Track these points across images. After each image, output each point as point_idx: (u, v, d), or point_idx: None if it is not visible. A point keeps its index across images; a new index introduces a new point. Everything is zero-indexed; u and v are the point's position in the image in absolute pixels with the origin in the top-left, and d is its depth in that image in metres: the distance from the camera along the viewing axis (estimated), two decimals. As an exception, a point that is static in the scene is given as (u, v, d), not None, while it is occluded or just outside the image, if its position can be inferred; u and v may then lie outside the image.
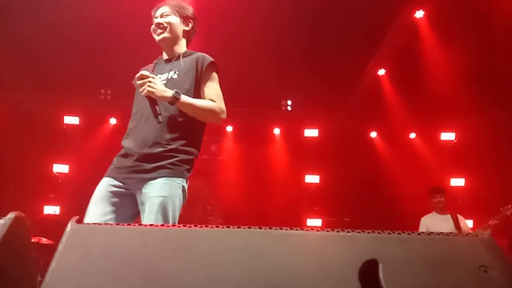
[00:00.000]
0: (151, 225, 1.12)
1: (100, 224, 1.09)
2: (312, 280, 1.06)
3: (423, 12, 5.72)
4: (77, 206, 7.07)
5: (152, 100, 2.05)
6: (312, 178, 8.13)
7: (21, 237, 1.08)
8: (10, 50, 6.41)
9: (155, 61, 2.41)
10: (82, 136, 7.80)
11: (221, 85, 2.31)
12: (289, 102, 8.25)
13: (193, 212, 8.07)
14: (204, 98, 2.19)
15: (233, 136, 8.37)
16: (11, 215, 1.05)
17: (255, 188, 7.71)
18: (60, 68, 6.54)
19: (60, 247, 1.00)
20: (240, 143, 8.27)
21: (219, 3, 5.26)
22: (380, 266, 1.04)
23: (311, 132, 8.18)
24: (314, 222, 7.75)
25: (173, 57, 2.30)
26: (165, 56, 2.37)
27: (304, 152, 8.17)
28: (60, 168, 7.62)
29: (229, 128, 8.32)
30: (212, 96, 2.20)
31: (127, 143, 2.18)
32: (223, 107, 2.21)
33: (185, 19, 2.34)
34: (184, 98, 2.07)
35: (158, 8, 2.33)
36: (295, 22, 5.84)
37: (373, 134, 8.37)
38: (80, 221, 1.05)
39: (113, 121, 8.00)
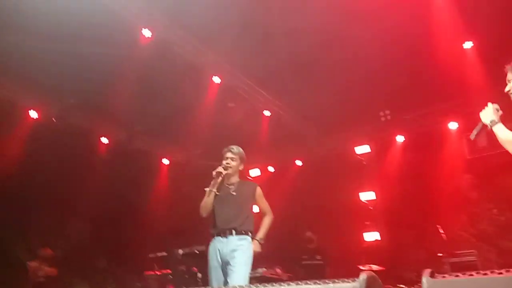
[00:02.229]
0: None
1: (458, 275, 0.95)
2: None
3: None
4: (394, 230, 7.21)
5: None
6: None
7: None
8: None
9: None
10: (376, 161, 8.07)
11: None
12: None
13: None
14: None
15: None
16: (363, 276, 1.03)
17: None
18: (340, 104, 7.04)
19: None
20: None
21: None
22: None
23: None
24: None
25: None
26: None
27: None
28: (367, 196, 8.01)
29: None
30: None
31: None
32: None
33: None
34: None
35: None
36: None
37: None
38: (433, 275, 0.94)
39: (400, 138, 7.97)
